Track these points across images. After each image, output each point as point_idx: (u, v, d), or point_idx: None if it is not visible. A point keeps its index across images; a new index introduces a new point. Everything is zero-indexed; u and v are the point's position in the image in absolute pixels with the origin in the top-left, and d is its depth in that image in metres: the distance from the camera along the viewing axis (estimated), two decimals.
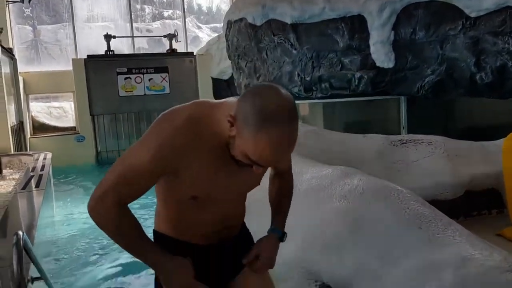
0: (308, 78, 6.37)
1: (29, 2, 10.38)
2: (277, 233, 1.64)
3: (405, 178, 3.63)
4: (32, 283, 2.71)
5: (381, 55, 5.82)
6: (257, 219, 2.21)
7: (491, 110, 6.53)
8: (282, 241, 1.66)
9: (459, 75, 5.51)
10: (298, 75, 6.47)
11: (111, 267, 4.85)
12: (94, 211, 1.30)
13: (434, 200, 3.44)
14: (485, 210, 3.77)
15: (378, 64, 5.88)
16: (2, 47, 8.22)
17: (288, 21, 6.37)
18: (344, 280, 2.31)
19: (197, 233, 1.48)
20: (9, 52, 9.17)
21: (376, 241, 2.26)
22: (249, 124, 1.17)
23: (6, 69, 8.41)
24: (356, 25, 5.95)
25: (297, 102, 6.93)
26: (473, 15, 5.26)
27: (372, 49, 5.88)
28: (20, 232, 2.17)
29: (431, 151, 3.80)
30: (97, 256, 5.14)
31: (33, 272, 2.79)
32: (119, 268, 4.80)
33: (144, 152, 1.27)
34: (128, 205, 1.34)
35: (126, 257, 4.98)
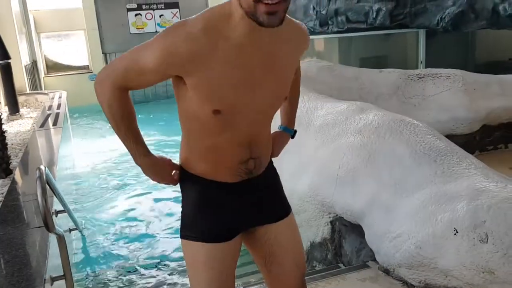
0: (323, 12, 6.18)
1: None
2: (289, 132, 1.67)
3: (421, 113, 3.60)
4: (56, 215, 2.82)
5: None
6: None
7: (510, 43, 6.33)
8: (293, 137, 1.69)
9: (481, 6, 5.29)
10: (313, 8, 6.27)
11: (128, 199, 5.01)
12: (95, 89, 1.30)
13: (450, 134, 3.43)
14: (502, 144, 3.76)
15: None
16: None
17: None
18: (357, 212, 2.36)
19: (223, 164, 1.38)
20: None
21: (390, 174, 2.27)
22: None
23: (16, 7, 8.29)
24: None
25: (312, 37, 6.77)
26: None
27: None
28: (42, 167, 2.23)
29: (449, 85, 3.73)
30: (115, 189, 5.31)
31: (56, 205, 2.90)
32: (136, 200, 4.96)
33: (151, 50, 1.21)
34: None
35: (142, 190, 5.13)
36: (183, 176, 1.45)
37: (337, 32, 6.27)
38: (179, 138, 1.43)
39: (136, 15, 10.79)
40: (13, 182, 3.35)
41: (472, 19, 5.40)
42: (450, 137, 3.12)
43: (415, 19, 5.71)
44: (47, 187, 2.23)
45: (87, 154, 6.73)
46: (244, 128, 1.34)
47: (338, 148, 2.61)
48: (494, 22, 5.31)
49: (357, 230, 2.43)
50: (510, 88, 3.78)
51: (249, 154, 1.39)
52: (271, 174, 1.54)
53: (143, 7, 10.79)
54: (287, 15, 1.24)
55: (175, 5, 10.96)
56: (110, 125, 1.33)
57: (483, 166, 2.17)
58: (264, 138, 1.46)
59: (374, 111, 2.78)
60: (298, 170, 2.81)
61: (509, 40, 6.33)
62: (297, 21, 1.39)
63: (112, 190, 5.29)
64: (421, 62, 6.00)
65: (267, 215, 1.47)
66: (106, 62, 10.71)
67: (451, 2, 5.44)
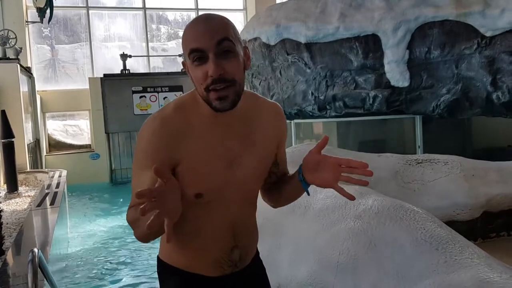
0: (322, 97, 6.37)
1: (48, 22, 10.59)
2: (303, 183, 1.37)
3: (421, 198, 3.59)
4: None
5: (396, 74, 5.80)
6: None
7: (508, 129, 6.45)
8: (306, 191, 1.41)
9: (475, 94, 5.46)
10: (312, 94, 6.47)
11: (124, 286, 4.84)
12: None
13: (451, 221, 3.39)
14: (504, 232, 3.70)
15: (392, 83, 5.86)
16: (21, 66, 8.39)
17: (302, 40, 6.41)
18: None
19: (205, 253, 1.33)
20: (27, 71, 9.35)
21: (392, 262, 2.22)
22: (183, 47, 1.22)
23: (24, 88, 8.56)
24: (371, 44, 5.96)
25: (310, 121, 6.94)
26: (488, 34, 5.24)
27: (386, 68, 5.88)
28: (36, 250, 2.18)
29: (448, 171, 3.75)
30: (110, 274, 5.14)
31: None
32: (132, 287, 4.79)
33: (140, 155, 1.23)
34: None
35: (138, 275, 4.97)
36: (162, 268, 1.38)
37: (335, 116, 6.42)
38: None
39: (141, 97, 11.11)
40: (5, 263, 3.26)
41: (467, 107, 5.55)
42: (452, 223, 3.09)
43: (411, 105, 5.87)
44: (39, 270, 2.17)
45: (84, 236, 6.61)
46: (227, 211, 1.31)
47: (338, 233, 2.57)
48: (489, 110, 5.46)
49: None
50: (509, 175, 3.79)
51: (233, 242, 1.34)
52: (258, 269, 1.47)
53: (148, 89, 11.14)
54: (262, 96, 1.36)
55: (179, 88, 11.32)
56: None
57: (486, 256, 2.12)
58: (250, 225, 1.41)
59: (373, 196, 2.77)
60: (296, 255, 2.74)
61: (506, 127, 6.47)
62: (271, 101, 1.42)
63: (106, 276, 5.13)
64: (419, 147, 6.08)
65: None
66: (109, 142, 10.87)
67: (446, 90, 5.62)
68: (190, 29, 1.20)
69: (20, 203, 5.49)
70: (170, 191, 1.06)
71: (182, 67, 1.31)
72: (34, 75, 10.46)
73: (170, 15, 13.23)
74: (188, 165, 1.21)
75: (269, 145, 1.38)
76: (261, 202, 1.52)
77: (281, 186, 1.45)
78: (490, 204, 3.61)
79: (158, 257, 1.39)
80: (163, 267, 1.37)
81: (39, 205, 5.23)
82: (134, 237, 1.23)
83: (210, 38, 1.16)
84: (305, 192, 1.37)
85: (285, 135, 1.45)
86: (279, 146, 1.43)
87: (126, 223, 1.32)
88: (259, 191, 1.48)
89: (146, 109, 11.16)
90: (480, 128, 6.68)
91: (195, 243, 1.32)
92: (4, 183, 6.26)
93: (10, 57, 8.30)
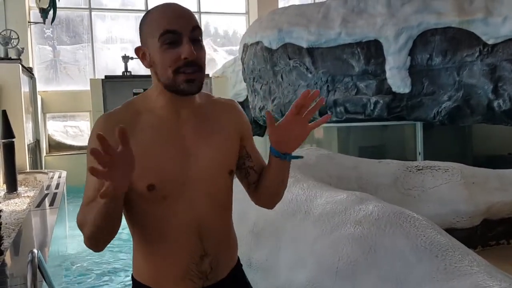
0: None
1: (51, 23, 10.61)
2: (276, 154, 1.30)
3: (421, 205, 3.58)
4: None
5: (397, 80, 5.81)
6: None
7: (509, 137, 6.45)
8: (289, 160, 1.33)
9: (476, 101, 5.47)
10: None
11: (123, 287, 4.83)
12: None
13: (451, 228, 3.39)
14: (504, 240, 3.70)
15: (394, 89, 5.87)
16: (23, 66, 8.40)
17: (304, 45, 6.42)
18: None
19: (170, 262, 1.23)
20: (29, 71, 9.36)
21: (391, 268, 2.21)
22: (145, 31, 1.22)
23: (25, 88, 8.57)
24: (372, 50, 5.97)
25: None
26: (490, 42, 5.25)
27: (388, 74, 5.89)
28: (35, 251, 2.17)
29: (448, 178, 3.75)
30: (109, 276, 5.13)
31: None
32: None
33: (88, 155, 1.14)
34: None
35: None
36: (133, 286, 1.31)
37: (336, 121, 6.42)
38: None
39: None
40: (3, 264, 3.25)
41: (468, 114, 5.56)
42: (452, 230, 3.09)
43: (412, 112, 5.88)
44: (38, 271, 2.16)
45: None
46: (190, 210, 1.23)
47: (338, 239, 2.56)
48: (490, 117, 5.47)
49: None
50: (509, 183, 3.79)
51: (201, 248, 1.24)
52: (239, 285, 1.36)
53: None
54: (219, 96, 1.37)
55: None
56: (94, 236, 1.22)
57: (485, 264, 2.12)
58: (221, 230, 1.30)
59: (373, 202, 2.76)
60: (296, 260, 2.73)
61: (507, 135, 6.47)
62: (227, 99, 1.40)
63: (105, 276, 5.12)
64: (419, 154, 6.08)
65: None
66: None
67: (447, 97, 5.63)
68: (162, 12, 1.20)
69: (19, 204, 5.49)
70: (125, 154, 1.02)
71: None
72: (36, 75, 10.46)
73: None
74: (136, 156, 1.10)
75: (228, 136, 1.32)
76: (260, 208, 1.51)
77: (264, 180, 1.37)
78: (490, 212, 3.61)
79: (132, 275, 1.32)
80: (135, 286, 1.30)
81: (38, 205, 5.22)
82: (122, 239, 1.21)
83: (186, 23, 1.19)
84: (288, 167, 1.32)
85: (247, 128, 1.39)
86: (243, 138, 1.37)
87: (125, 224, 1.29)
88: (250, 197, 1.42)
89: None
90: (480, 135, 6.68)
91: (160, 250, 1.24)
92: (3, 183, 6.26)
93: (12, 57, 8.31)
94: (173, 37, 1.17)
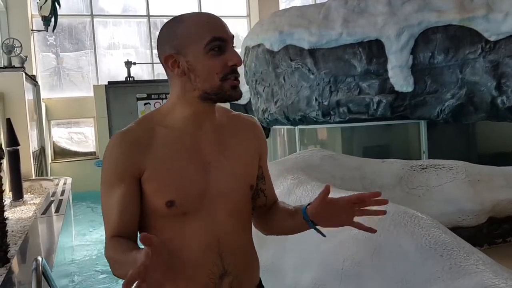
0: (326, 103, 6.37)
1: (53, 30, 10.66)
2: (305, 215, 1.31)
3: (425, 204, 3.57)
4: None
5: (400, 79, 5.79)
6: None
7: None
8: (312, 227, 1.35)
9: (480, 99, 5.44)
10: (316, 99, 6.47)
11: None
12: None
13: (456, 226, 3.37)
14: (510, 238, 3.67)
15: (396, 88, 5.85)
16: (26, 74, 8.44)
17: (306, 46, 6.41)
18: None
19: (187, 281, 1.18)
20: (32, 79, 9.41)
21: (396, 269, 2.20)
22: (182, 39, 1.18)
23: (29, 96, 8.61)
24: (374, 49, 5.96)
25: (315, 126, 6.94)
26: (492, 38, 5.23)
27: (390, 73, 5.87)
28: (40, 258, 2.18)
29: (453, 177, 3.73)
30: (115, 283, 5.12)
31: None
32: None
33: (104, 173, 1.17)
34: None
35: None
36: None
37: (339, 122, 6.41)
38: None
39: (145, 104, 11.15)
40: (10, 271, 3.27)
41: (472, 112, 5.53)
42: (457, 229, 3.07)
43: (415, 111, 5.86)
44: (43, 279, 2.17)
45: (87, 243, 6.62)
46: (209, 226, 1.19)
47: (342, 240, 2.55)
48: (494, 114, 5.44)
49: None
50: None
51: (221, 267, 1.19)
52: None
53: (153, 96, 11.18)
54: (237, 112, 1.36)
55: None
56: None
57: (491, 262, 2.10)
58: (242, 248, 1.25)
59: None
60: (301, 262, 2.73)
61: (510, 131, 6.42)
62: (247, 115, 1.38)
63: (111, 284, 5.12)
64: (424, 152, 6.06)
65: None
66: None
67: (450, 95, 5.61)
68: (204, 19, 1.21)
69: (25, 211, 5.51)
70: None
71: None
72: (39, 83, 10.52)
73: None
74: (155, 171, 1.14)
75: (249, 152, 1.31)
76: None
77: (278, 222, 1.37)
78: (495, 210, 3.58)
79: None
80: None
81: (44, 212, 5.24)
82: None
83: (228, 31, 1.22)
84: (307, 229, 1.34)
85: (266, 149, 1.38)
86: (261, 158, 1.36)
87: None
88: (251, 218, 1.38)
89: None
90: (485, 133, 6.64)
91: (178, 267, 1.17)
92: (9, 191, 6.28)
93: (16, 66, 8.36)
94: (221, 44, 1.18)
